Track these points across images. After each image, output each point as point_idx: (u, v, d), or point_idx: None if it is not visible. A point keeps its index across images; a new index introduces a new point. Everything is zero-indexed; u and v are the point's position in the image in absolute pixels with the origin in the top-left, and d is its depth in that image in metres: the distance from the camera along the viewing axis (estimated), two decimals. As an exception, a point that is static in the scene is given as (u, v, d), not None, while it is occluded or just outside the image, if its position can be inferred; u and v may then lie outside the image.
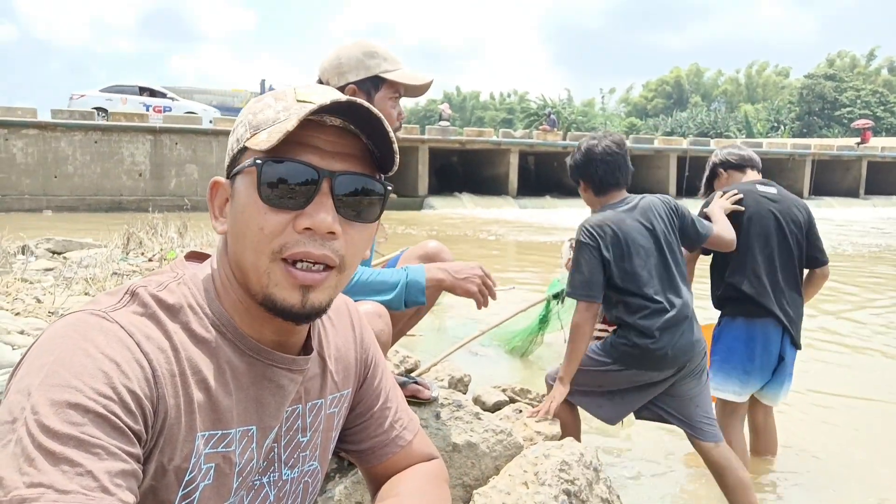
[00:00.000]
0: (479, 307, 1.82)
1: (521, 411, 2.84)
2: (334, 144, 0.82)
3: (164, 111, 22.26)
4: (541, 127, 28.15)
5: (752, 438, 3.03)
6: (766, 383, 2.86)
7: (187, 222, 8.14)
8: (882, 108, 52.84)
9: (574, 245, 2.77)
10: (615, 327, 4.69)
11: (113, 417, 0.69)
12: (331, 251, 0.80)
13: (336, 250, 0.81)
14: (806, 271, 2.96)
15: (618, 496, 2.09)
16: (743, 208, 2.86)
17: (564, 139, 26.62)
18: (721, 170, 3.16)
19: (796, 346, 2.86)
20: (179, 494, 0.78)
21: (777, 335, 2.81)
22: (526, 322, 4.52)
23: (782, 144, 31.16)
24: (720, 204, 2.89)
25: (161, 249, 7.01)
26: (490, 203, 23.62)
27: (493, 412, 2.98)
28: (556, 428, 2.35)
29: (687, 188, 27.64)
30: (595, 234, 2.47)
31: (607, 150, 2.53)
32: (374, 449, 1.06)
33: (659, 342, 2.39)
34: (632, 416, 2.64)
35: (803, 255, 2.91)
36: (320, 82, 1.86)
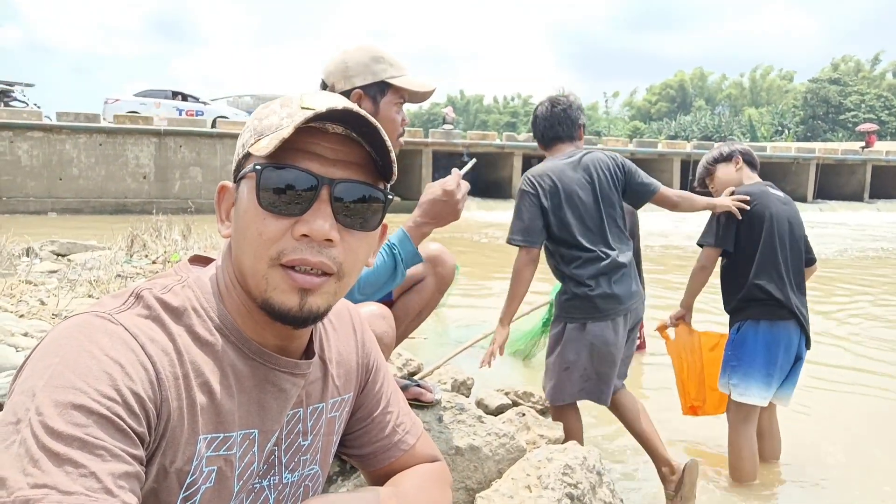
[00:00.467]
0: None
1: (524, 415, 2.84)
2: (336, 152, 0.82)
3: (197, 115, 22.41)
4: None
5: (756, 443, 3.01)
6: (782, 385, 2.85)
7: (191, 225, 8.17)
8: (887, 112, 52.71)
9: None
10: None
11: (116, 419, 0.69)
12: (328, 258, 0.80)
13: (333, 258, 0.81)
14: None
15: (621, 500, 2.08)
16: (748, 207, 2.85)
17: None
18: (739, 158, 3.04)
19: (809, 345, 2.87)
20: (181, 497, 0.79)
21: (797, 337, 2.80)
22: (529, 325, 4.51)
23: (786, 148, 31.11)
24: (727, 199, 2.88)
25: (165, 252, 7.02)
26: (494, 206, 23.54)
27: (496, 415, 2.98)
28: (559, 432, 2.34)
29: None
30: (535, 183, 2.62)
31: (545, 108, 2.75)
32: (377, 453, 1.06)
33: (596, 289, 2.55)
34: None
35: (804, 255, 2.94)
36: (325, 85, 1.86)
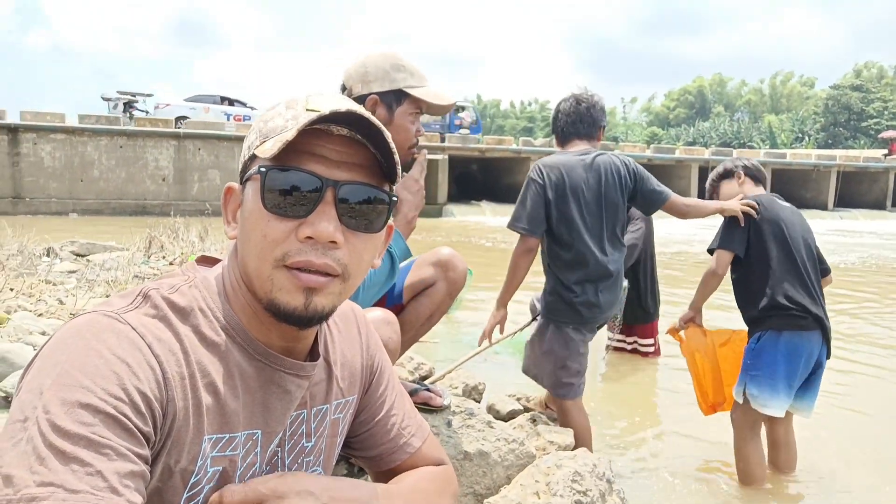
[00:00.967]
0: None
1: (535, 421, 2.82)
2: (340, 154, 0.82)
3: (244, 120, 22.71)
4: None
5: (771, 453, 2.97)
6: (801, 395, 2.78)
7: (208, 227, 8.24)
8: (910, 119, 51.94)
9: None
10: (633, 339, 4.65)
11: (123, 418, 0.69)
12: (332, 260, 0.80)
13: (338, 259, 0.81)
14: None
15: (631, 509, 2.06)
16: (756, 215, 2.82)
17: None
18: (741, 173, 3.03)
19: (829, 354, 2.82)
20: (184, 496, 0.79)
21: (818, 346, 2.75)
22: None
23: (807, 155, 30.71)
24: (736, 203, 2.85)
25: (182, 253, 7.09)
26: (510, 211, 23.49)
27: (506, 421, 2.97)
28: (569, 438, 2.33)
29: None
30: (544, 173, 2.64)
31: (570, 104, 2.76)
32: (382, 456, 1.06)
33: (581, 296, 2.61)
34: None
35: None
36: (344, 88, 1.87)
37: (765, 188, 3.06)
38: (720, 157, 28.50)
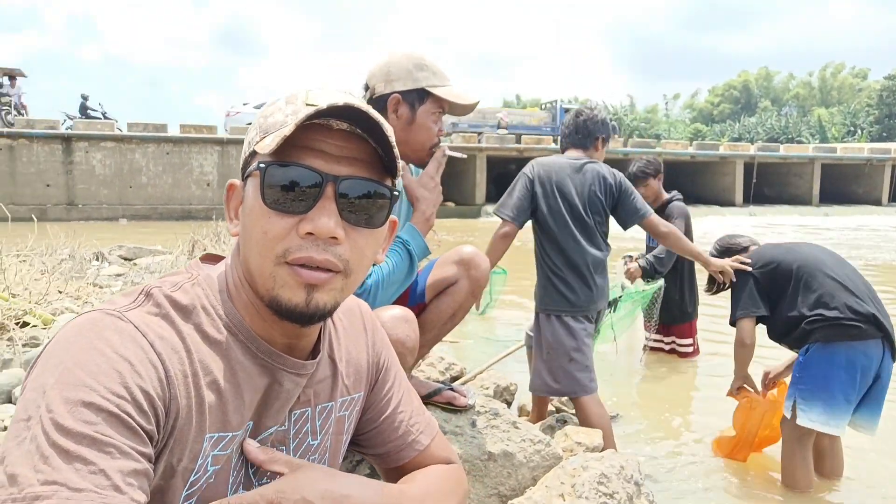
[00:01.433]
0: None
1: (565, 422, 2.79)
2: (340, 148, 0.81)
3: None
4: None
5: (816, 462, 2.85)
6: (860, 409, 2.63)
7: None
8: (970, 109, 49.60)
9: (627, 261, 4.00)
10: (671, 339, 4.55)
11: (126, 417, 0.69)
12: (333, 256, 0.79)
13: (339, 255, 0.80)
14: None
15: (660, 512, 2.01)
16: (749, 269, 2.84)
17: (625, 146, 26.15)
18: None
19: (894, 358, 2.66)
20: (183, 494, 0.79)
21: (877, 355, 2.58)
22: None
23: (859, 149, 29.63)
24: (726, 262, 2.92)
25: (223, 256, 7.24)
26: (548, 211, 23.33)
27: (535, 421, 2.93)
28: (597, 439, 2.28)
29: (754, 196, 26.67)
30: (535, 169, 2.92)
31: (571, 117, 3.07)
32: (391, 453, 1.06)
33: (570, 283, 2.82)
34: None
35: None
36: (367, 87, 1.88)
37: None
38: (767, 152, 27.79)
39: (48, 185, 20.10)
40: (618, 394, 4.06)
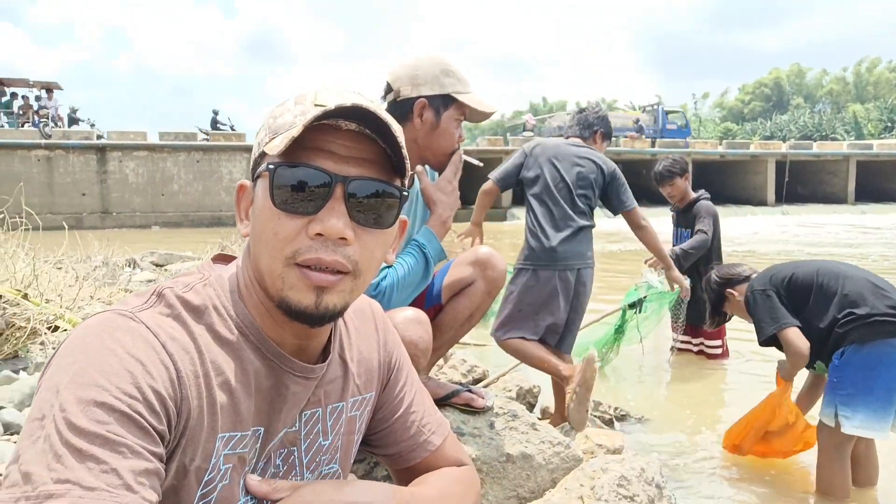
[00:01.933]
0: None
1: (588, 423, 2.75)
2: (349, 149, 0.81)
3: None
4: (628, 134, 27.42)
5: (851, 469, 2.77)
6: None
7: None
8: None
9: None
10: (699, 340, 4.48)
11: (138, 417, 0.70)
12: (343, 257, 0.79)
13: (349, 256, 0.80)
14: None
15: (683, 515, 1.98)
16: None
17: (653, 146, 25.85)
18: (728, 290, 2.96)
19: None
20: (198, 494, 0.79)
21: None
22: (601, 332, 4.39)
23: (896, 146, 28.85)
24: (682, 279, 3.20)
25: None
26: (575, 213, 23.20)
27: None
28: (619, 441, 2.26)
29: (787, 195, 26.13)
30: (531, 146, 3.28)
31: (576, 111, 3.51)
32: (402, 453, 1.06)
33: (542, 239, 3.07)
34: None
35: None
36: (389, 88, 1.88)
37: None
38: (799, 150, 27.23)
39: (83, 195, 20.62)
40: (644, 395, 4.01)
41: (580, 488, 1.87)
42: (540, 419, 3.11)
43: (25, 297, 3.05)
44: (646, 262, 4.47)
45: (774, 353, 2.82)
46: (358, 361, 1.01)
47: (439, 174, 1.90)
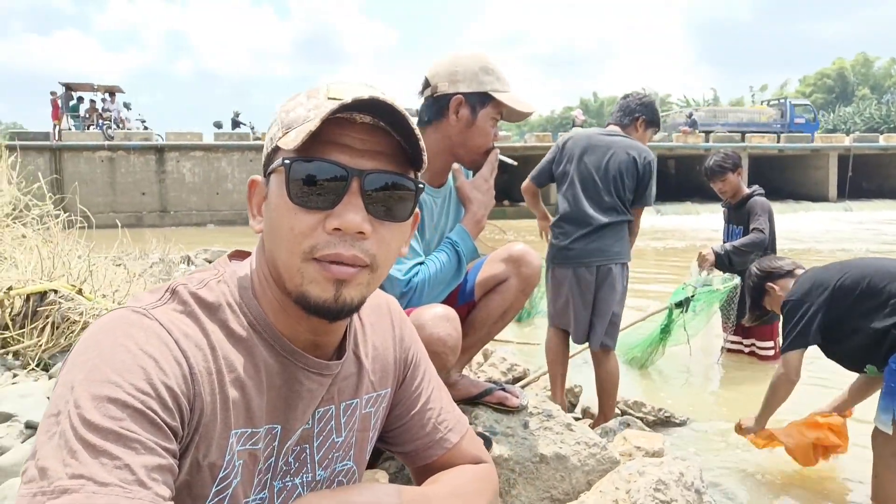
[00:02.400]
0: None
1: (628, 425, 2.70)
2: (364, 142, 0.80)
3: None
4: (681, 129, 26.76)
5: None
6: None
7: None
8: None
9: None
10: (750, 341, 4.33)
11: (150, 413, 0.70)
12: (361, 251, 0.79)
13: (366, 250, 0.79)
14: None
15: (724, 522, 1.91)
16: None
17: (707, 141, 25.15)
18: (769, 284, 2.79)
19: None
20: (213, 490, 0.80)
21: None
22: (646, 332, 4.29)
23: (971, 137, 27.29)
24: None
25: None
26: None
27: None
28: (658, 444, 2.19)
29: (850, 190, 25.05)
30: (564, 140, 3.25)
31: (620, 98, 3.36)
32: (418, 451, 1.05)
33: (558, 237, 3.12)
34: None
35: None
36: (427, 84, 1.88)
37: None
38: (864, 143, 26.06)
39: (143, 194, 21.39)
40: (690, 396, 3.90)
41: (615, 491, 1.82)
42: (579, 419, 3.08)
43: (80, 292, 3.16)
44: (697, 260, 4.35)
45: (828, 359, 2.70)
46: (373, 358, 1.00)
47: (473, 173, 1.89)
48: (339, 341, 0.93)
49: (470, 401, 1.99)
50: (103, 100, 23.84)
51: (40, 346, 2.97)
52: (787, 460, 2.86)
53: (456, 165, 1.84)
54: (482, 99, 1.82)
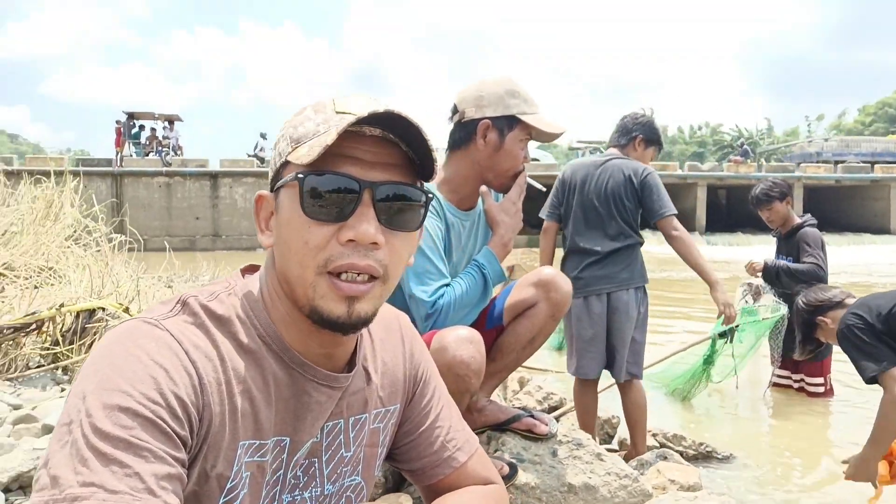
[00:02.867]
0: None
1: (665, 458, 2.61)
2: (374, 154, 0.82)
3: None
4: (732, 158, 26.22)
5: None
6: None
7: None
8: None
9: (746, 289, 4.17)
10: (800, 377, 4.16)
11: (160, 422, 0.71)
12: (374, 261, 0.80)
13: (380, 260, 0.81)
14: None
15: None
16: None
17: (759, 171, 24.56)
18: (819, 318, 2.64)
19: None
20: (221, 501, 0.80)
21: None
22: (688, 364, 4.17)
23: None
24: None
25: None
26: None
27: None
28: (694, 477, 2.11)
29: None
30: (565, 170, 3.21)
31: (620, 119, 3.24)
32: (425, 469, 1.04)
33: (567, 269, 3.03)
34: None
35: None
36: (456, 109, 1.90)
37: None
38: (928, 174, 24.98)
39: (197, 218, 22.05)
40: (736, 431, 3.76)
41: (646, 525, 1.76)
42: (615, 451, 3.00)
43: (126, 310, 3.28)
44: (741, 289, 4.23)
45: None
46: (382, 373, 1.00)
47: (503, 196, 1.89)
48: (349, 355, 0.94)
49: (498, 427, 1.97)
50: (164, 127, 24.88)
51: (87, 361, 3.08)
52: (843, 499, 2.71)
53: (484, 188, 1.85)
54: (509, 122, 1.83)
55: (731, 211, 26.13)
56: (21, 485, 1.92)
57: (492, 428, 1.97)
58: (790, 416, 4.01)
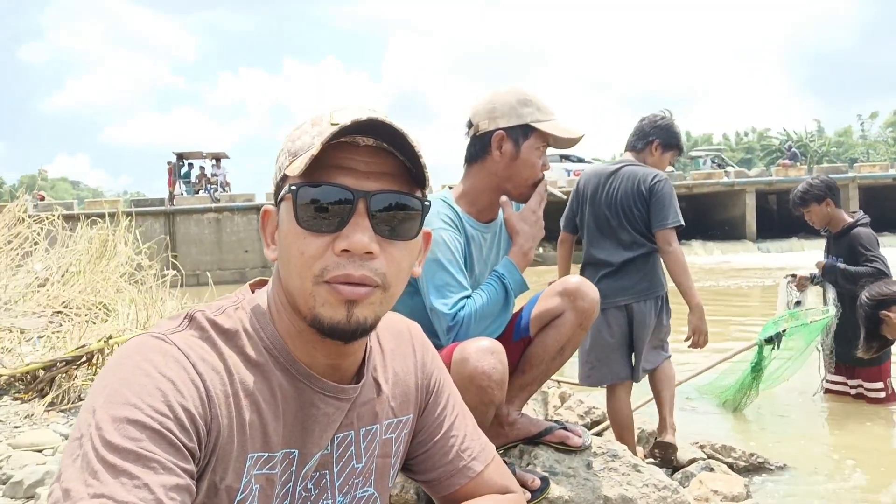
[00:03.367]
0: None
1: (712, 469, 2.53)
2: (368, 164, 0.82)
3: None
4: (780, 163, 25.49)
5: None
6: None
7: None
8: None
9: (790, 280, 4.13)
10: (856, 382, 3.98)
11: (168, 434, 0.73)
12: (370, 271, 0.80)
13: (376, 269, 0.81)
14: None
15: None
16: None
17: (811, 173, 23.80)
18: (883, 312, 2.54)
19: None
20: None
21: None
22: (738, 373, 4.03)
23: None
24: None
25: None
26: (726, 248, 21.90)
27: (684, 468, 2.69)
28: (738, 488, 2.04)
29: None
30: (579, 179, 3.17)
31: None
32: (441, 479, 1.03)
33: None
34: None
35: None
36: (470, 124, 1.92)
37: None
38: None
39: (246, 251, 22.61)
40: (790, 440, 3.60)
41: (686, 537, 1.70)
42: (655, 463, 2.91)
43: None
44: (784, 280, 4.08)
45: None
46: (393, 383, 1.00)
47: (524, 206, 1.89)
48: (357, 366, 0.94)
49: (530, 440, 1.94)
50: (212, 165, 25.74)
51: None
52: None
53: (504, 198, 1.84)
54: (524, 131, 1.83)
55: (783, 216, 25.28)
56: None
57: (524, 441, 1.95)
58: (849, 425, 3.82)
